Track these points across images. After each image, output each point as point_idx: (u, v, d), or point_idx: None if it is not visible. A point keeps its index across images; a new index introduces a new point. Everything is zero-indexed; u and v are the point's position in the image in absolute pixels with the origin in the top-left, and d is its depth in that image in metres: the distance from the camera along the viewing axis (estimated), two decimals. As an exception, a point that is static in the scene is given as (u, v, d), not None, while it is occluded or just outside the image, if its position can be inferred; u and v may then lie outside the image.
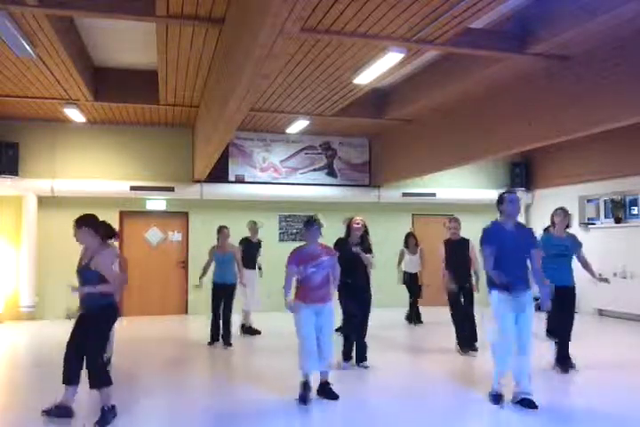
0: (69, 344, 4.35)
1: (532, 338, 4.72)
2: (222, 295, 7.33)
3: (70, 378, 4.28)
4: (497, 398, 4.67)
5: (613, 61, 5.89)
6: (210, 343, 7.33)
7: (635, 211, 10.18)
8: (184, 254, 10.63)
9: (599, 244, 10.37)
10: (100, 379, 4.22)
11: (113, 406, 4.27)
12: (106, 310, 4.31)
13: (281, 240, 10.91)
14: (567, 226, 6.13)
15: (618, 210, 10.23)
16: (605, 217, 10.69)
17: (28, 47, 5.72)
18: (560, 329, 6.06)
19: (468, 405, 4.87)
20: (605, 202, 10.72)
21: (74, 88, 7.72)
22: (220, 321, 7.35)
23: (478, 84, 7.50)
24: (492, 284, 4.74)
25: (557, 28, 5.60)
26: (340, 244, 6.06)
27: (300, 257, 4.92)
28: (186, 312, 10.49)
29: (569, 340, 5.99)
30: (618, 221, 10.17)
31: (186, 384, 5.54)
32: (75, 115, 8.89)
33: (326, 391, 4.86)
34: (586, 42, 5.87)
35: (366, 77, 6.85)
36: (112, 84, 8.31)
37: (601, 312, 10.33)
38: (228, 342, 7.24)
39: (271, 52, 4.08)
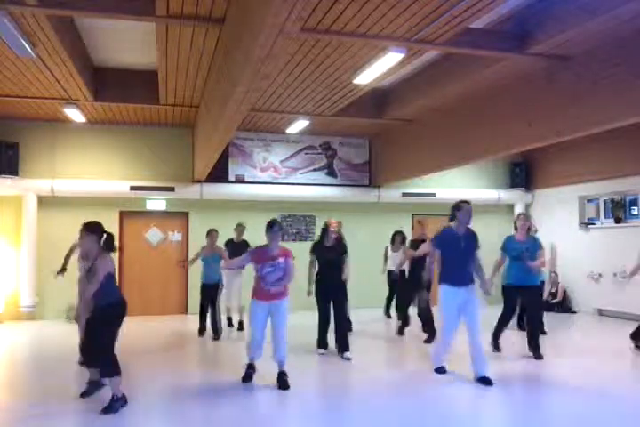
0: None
1: (480, 324, 5.50)
2: (209, 294, 8.04)
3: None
4: (440, 369, 5.72)
5: (613, 61, 5.89)
6: (200, 335, 8.08)
7: (635, 211, 10.18)
8: (184, 254, 10.62)
9: (599, 244, 10.38)
10: (110, 368, 4.48)
11: (123, 396, 4.52)
12: (115, 307, 4.69)
13: (281, 240, 10.89)
14: (529, 229, 6.94)
15: (618, 210, 10.23)
16: (605, 217, 10.69)
17: (28, 47, 5.71)
18: (529, 323, 6.82)
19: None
20: (605, 202, 10.72)
21: (74, 88, 7.72)
22: (208, 316, 8.09)
23: (478, 84, 7.50)
24: (441, 278, 5.62)
25: (557, 28, 5.60)
26: (317, 247, 6.89)
27: (260, 255, 5.41)
28: (186, 312, 10.49)
29: (539, 331, 6.80)
30: (618, 221, 10.17)
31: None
32: (75, 115, 8.89)
33: (280, 381, 5.26)
34: (586, 42, 5.87)
35: (366, 77, 6.85)
36: (112, 84, 8.30)
37: (601, 312, 10.33)
38: (216, 336, 7.90)
39: (271, 52, 4.08)
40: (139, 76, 8.22)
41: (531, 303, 6.82)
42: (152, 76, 7.77)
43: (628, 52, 5.72)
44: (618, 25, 5.40)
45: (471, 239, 5.62)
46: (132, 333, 8.32)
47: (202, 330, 8.12)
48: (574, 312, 10.67)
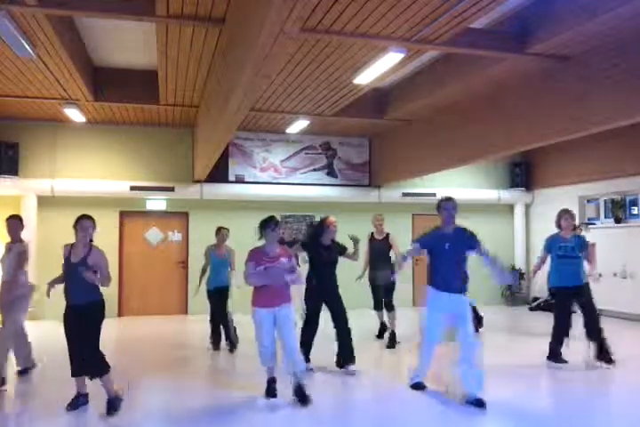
0: None
1: (475, 346, 4.76)
2: (215, 301, 7.11)
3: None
4: (417, 386, 5.00)
5: (613, 61, 5.89)
6: (214, 349, 7.04)
7: (635, 211, 10.18)
8: (184, 254, 10.63)
9: (599, 244, 10.35)
10: (104, 366, 4.44)
11: (117, 393, 4.45)
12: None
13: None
14: (574, 228, 6.51)
15: (618, 210, 10.23)
16: (605, 217, 10.69)
17: (28, 47, 5.71)
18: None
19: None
20: (605, 202, 10.72)
21: (74, 88, 7.72)
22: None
23: (478, 84, 7.49)
24: (428, 280, 4.92)
25: (557, 28, 5.61)
26: (310, 245, 5.95)
27: (260, 257, 4.77)
28: (186, 312, 10.48)
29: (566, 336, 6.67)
30: (618, 221, 10.17)
31: (181, 385, 5.55)
32: (75, 115, 8.89)
33: (298, 395, 4.69)
34: (586, 42, 5.87)
35: (366, 77, 6.85)
36: (112, 84, 8.30)
37: (601, 312, 10.30)
38: (232, 346, 6.98)
39: (271, 52, 4.08)
40: (139, 76, 8.22)
41: (588, 305, 6.58)
42: (152, 76, 7.76)
43: (628, 52, 5.72)
44: (618, 25, 5.41)
45: (461, 239, 4.90)
46: (132, 335, 8.32)
47: (216, 343, 7.05)
48: (574, 312, 10.64)
